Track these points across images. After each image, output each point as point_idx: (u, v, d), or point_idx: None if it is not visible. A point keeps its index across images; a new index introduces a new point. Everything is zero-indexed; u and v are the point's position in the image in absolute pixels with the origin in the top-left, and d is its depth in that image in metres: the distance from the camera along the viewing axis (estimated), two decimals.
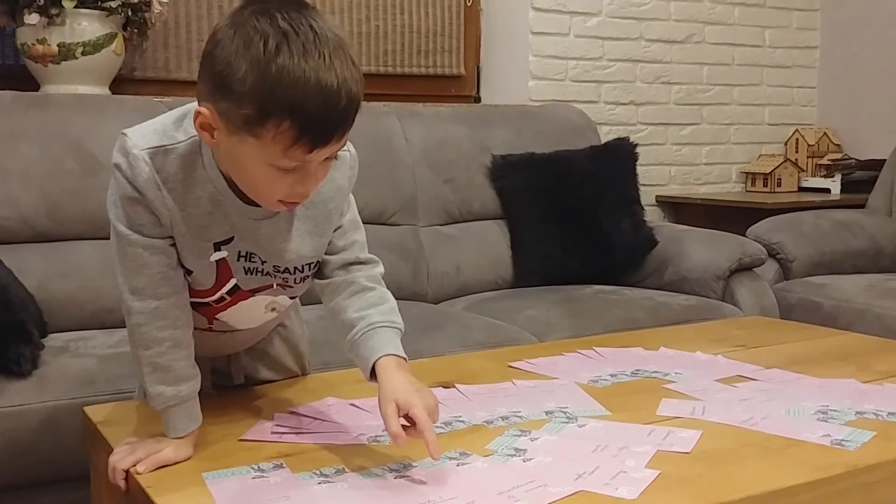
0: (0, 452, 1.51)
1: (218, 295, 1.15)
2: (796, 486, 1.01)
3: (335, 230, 1.19)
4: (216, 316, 1.19)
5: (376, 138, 2.48)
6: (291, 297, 1.22)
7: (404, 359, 1.11)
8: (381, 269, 1.22)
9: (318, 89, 0.92)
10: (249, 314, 1.20)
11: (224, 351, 1.31)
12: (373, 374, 1.10)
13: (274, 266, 1.14)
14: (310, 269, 1.18)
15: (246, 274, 1.14)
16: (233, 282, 1.14)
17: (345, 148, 1.16)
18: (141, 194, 1.04)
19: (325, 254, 1.19)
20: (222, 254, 1.11)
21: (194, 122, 1.00)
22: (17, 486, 1.56)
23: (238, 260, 1.13)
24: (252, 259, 1.13)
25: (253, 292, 1.16)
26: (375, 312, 1.15)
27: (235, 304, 1.17)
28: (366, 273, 1.20)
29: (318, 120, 0.94)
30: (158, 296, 1.08)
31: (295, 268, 1.15)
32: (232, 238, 1.11)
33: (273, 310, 1.21)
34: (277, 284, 1.17)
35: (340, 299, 1.17)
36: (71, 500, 1.52)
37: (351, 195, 1.21)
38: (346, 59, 0.95)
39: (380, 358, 1.09)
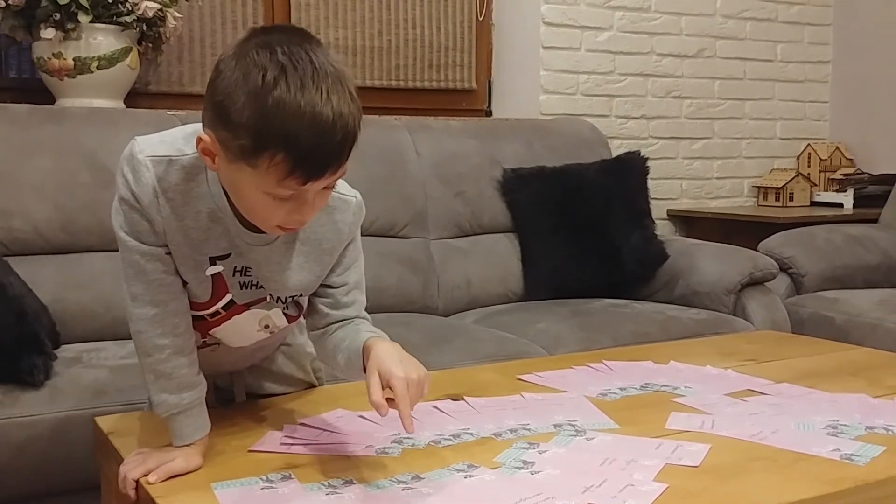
0: (12, 462, 1.53)
1: (213, 309, 1.16)
2: (805, 500, 1.01)
3: (338, 287, 1.19)
4: (210, 331, 1.19)
5: (387, 151, 2.49)
6: (289, 320, 1.22)
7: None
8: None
9: (313, 123, 0.93)
10: (243, 331, 1.20)
11: (223, 368, 1.31)
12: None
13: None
14: (291, 300, 1.19)
15: (241, 289, 1.15)
16: (228, 297, 1.15)
17: (351, 194, 1.18)
18: (137, 199, 1.06)
19: (326, 307, 1.20)
20: (217, 268, 1.12)
21: (197, 147, 1.02)
22: (28, 496, 1.57)
23: (234, 275, 1.14)
24: (247, 273, 1.14)
25: (247, 306, 1.17)
26: (365, 327, 1.18)
27: (230, 318, 1.17)
28: (368, 324, 1.20)
29: (313, 153, 0.95)
30: (156, 302, 1.09)
31: (278, 297, 1.17)
32: (229, 254, 1.12)
33: (266, 327, 1.21)
34: (269, 297, 1.18)
35: (337, 333, 1.19)
36: None
37: (361, 258, 1.22)
38: (345, 92, 0.96)
39: (368, 339, 1.11)
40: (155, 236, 1.08)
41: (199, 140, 1.01)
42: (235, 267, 1.13)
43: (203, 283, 1.13)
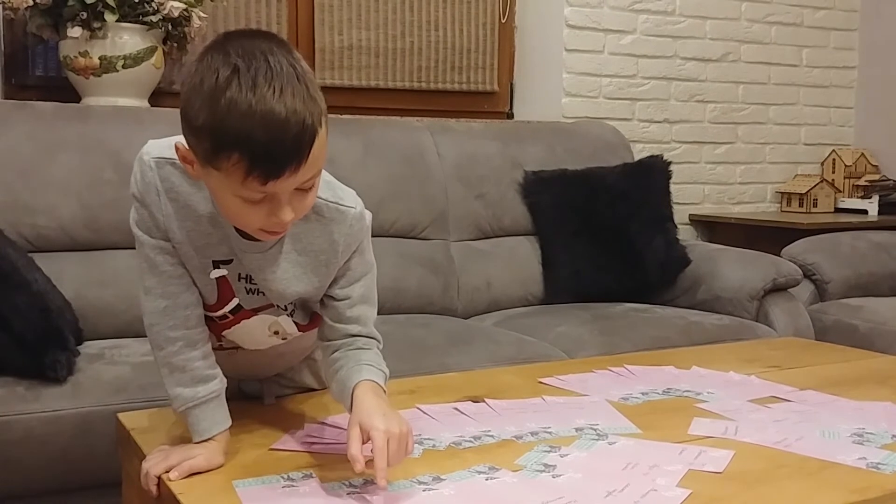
0: (34, 458, 1.54)
1: (221, 312, 1.16)
2: None
3: (341, 300, 1.17)
4: (222, 333, 1.20)
5: (409, 153, 2.49)
6: (300, 328, 1.21)
7: (383, 389, 1.11)
8: (381, 346, 1.20)
9: (265, 121, 0.92)
10: (254, 335, 1.20)
11: (245, 373, 1.31)
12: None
13: None
14: (296, 308, 1.19)
15: (248, 294, 1.15)
16: (235, 301, 1.15)
17: (351, 205, 1.14)
18: (142, 196, 1.09)
19: (330, 319, 1.18)
20: (221, 272, 1.12)
21: (177, 154, 1.02)
22: (51, 492, 1.58)
23: (239, 281, 1.14)
24: (252, 280, 1.14)
25: (255, 311, 1.17)
26: (364, 356, 1.15)
27: (239, 322, 1.18)
28: (369, 351, 1.17)
29: (267, 151, 0.93)
30: (167, 295, 1.11)
31: (276, 305, 1.17)
32: (231, 260, 1.12)
33: (276, 333, 1.20)
34: (276, 304, 1.17)
35: (336, 355, 1.18)
36: None
37: (374, 271, 1.20)
38: (302, 90, 0.94)
39: (358, 383, 1.09)
40: (160, 232, 1.09)
41: (177, 148, 1.01)
42: (240, 273, 1.13)
43: (208, 285, 1.13)
